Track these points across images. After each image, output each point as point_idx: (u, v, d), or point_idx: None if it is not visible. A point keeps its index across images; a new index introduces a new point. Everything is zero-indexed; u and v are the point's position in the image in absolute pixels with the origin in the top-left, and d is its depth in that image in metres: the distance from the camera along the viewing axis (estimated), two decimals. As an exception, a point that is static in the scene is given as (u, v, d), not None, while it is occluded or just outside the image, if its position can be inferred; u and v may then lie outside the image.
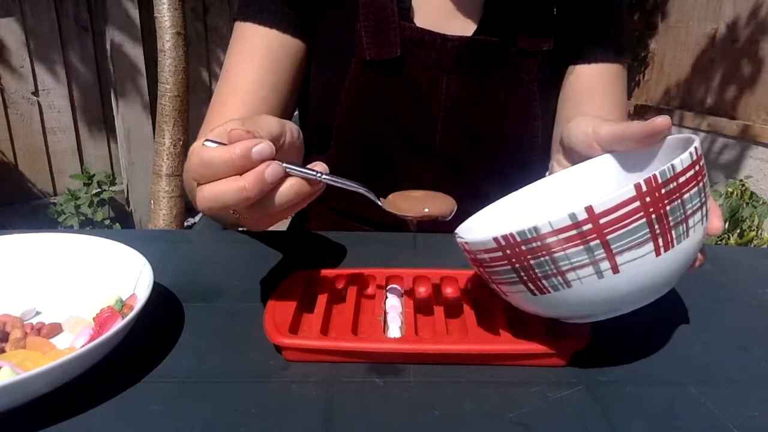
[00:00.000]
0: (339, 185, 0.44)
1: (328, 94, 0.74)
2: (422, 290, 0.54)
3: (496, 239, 0.39)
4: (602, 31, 0.77)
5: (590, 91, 0.78)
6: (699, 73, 2.76)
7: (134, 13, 2.36)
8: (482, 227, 0.49)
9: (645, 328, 0.49)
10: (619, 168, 0.49)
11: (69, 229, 2.30)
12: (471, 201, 0.80)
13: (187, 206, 1.99)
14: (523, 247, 0.38)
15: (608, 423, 0.39)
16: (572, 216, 0.36)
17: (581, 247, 0.37)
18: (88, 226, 2.40)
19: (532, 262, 0.39)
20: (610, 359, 0.45)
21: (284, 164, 0.40)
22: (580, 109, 0.77)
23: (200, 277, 0.57)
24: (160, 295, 0.52)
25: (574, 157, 0.52)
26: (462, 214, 0.80)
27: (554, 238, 0.37)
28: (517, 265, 0.39)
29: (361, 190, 0.45)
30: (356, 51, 0.71)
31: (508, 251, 0.39)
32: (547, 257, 0.38)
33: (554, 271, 0.38)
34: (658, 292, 0.41)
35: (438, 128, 0.74)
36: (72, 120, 2.53)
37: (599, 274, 0.38)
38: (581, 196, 0.50)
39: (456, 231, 0.47)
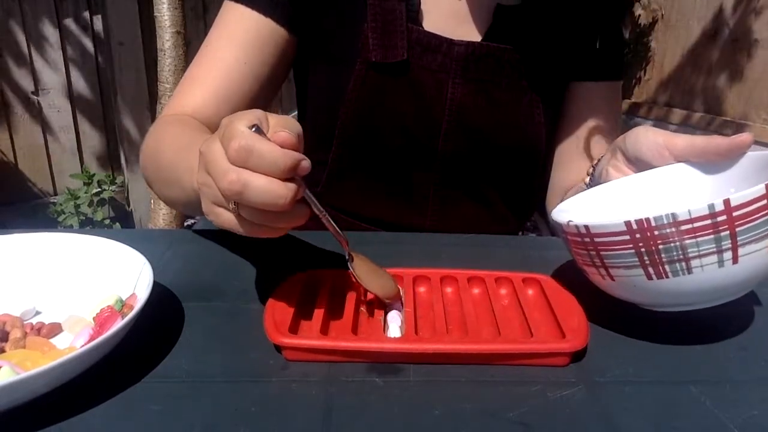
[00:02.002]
0: (330, 227, 0.47)
1: (331, 94, 0.74)
2: (422, 290, 0.54)
3: (627, 223, 0.42)
4: (607, 49, 0.79)
5: (596, 108, 0.80)
6: (699, 72, 2.76)
7: (134, 12, 2.36)
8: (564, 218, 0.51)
9: (645, 328, 0.49)
10: (693, 176, 0.54)
11: (69, 228, 2.30)
12: (471, 205, 0.80)
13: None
14: (656, 232, 0.41)
15: (608, 423, 0.39)
16: (710, 206, 0.40)
17: (712, 236, 0.40)
18: (88, 225, 2.40)
19: (660, 246, 0.41)
20: (610, 359, 0.45)
21: (307, 191, 0.41)
22: (586, 125, 0.79)
23: (200, 277, 0.57)
24: (160, 295, 0.52)
25: (639, 164, 0.57)
26: (461, 217, 0.80)
27: (689, 226, 0.40)
28: (642, 249, 0.42)
29: (343, 243, 0.49)
30: (362, 52, 0.70)
31: (637, 235, 0.42)
32: (677, 243, 0.41)
33: (680, 257, 0.41)
34: (757, 284, 0.46)
35: (441, 132, 0.74)
36: (72, 120, 2.52)
37: (721, 263, 0.41)
38: (655, 199, 0.55)
39: (554, 216, 0.51)
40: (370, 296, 0.53)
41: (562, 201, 0.77)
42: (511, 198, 0.82)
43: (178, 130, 0.64)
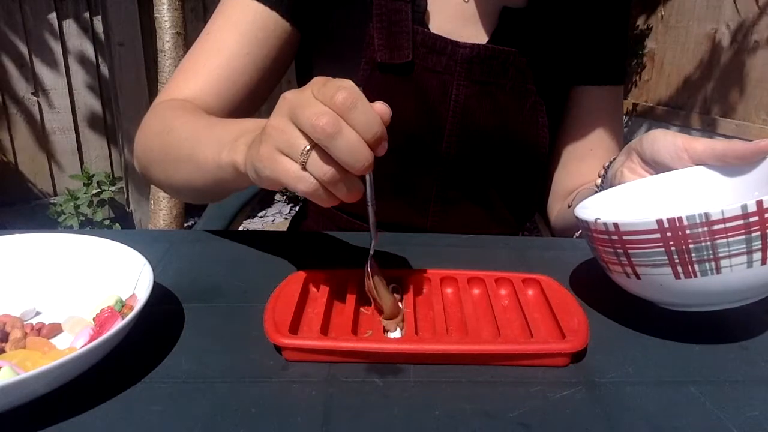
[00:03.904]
0: (372, 220, 0.48)
1: None
2: (422, 291, 0.54)
3: (659, 221, 0.42)
4: (610, 54, 0.80)
5: (598, 112, 0.80)
6: (698, 73, 2.76)
7: (134, 13, 2.36)
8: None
9: (645, 329, 0.49)
10: (711, 179, 0.54)
11: (69, 229, 2.30)
12: (472, 206, 0.80)
13: (186, 207, 1.99)
14: (688, 231, 0.41)
15: (608, 423, 0.39)
16: (743, 207, 0.40)
17: (743, 236, 0.41)
18: (87, 226, 2.40)
19: (691, 246, 0.42)
20: (610, 359, 0.45)
21: (371, 173, 0.43)
22: (588, 129, 0.80)
23: (200, 277, 0.57)
24: (160, 295, 0.52)
25: (656, 166, 0.57)
26: (463, 218, 0.80)
27: (721, 226, 0.40)
28: (673, 248, 0.42)
29: (375, 240, 0.50)
30: (367, 52, 0.70)
31: (668, 234, 0.42)
32: (708, 243, 0.41)
33: (710, 256, 0.42)
34: None
35: (445, 134, 0.74)
36: (72, 120, 2.53)
37: (750, 263, 0.41)
38: (673, 201, 0.55)
39: (578, 214, 0.50)
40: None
41: (568, 203, 0.77)
42: (512, 200, 0.82)
43: (188, 113, 0.64)
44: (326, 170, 0.40)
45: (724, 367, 0.45)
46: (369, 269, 0.49)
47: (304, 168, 0.41)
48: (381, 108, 0.41)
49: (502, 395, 0.41)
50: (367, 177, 0.43)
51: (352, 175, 0.41)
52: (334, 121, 0.39)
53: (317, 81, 0.42)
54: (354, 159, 0.39)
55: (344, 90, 0.39)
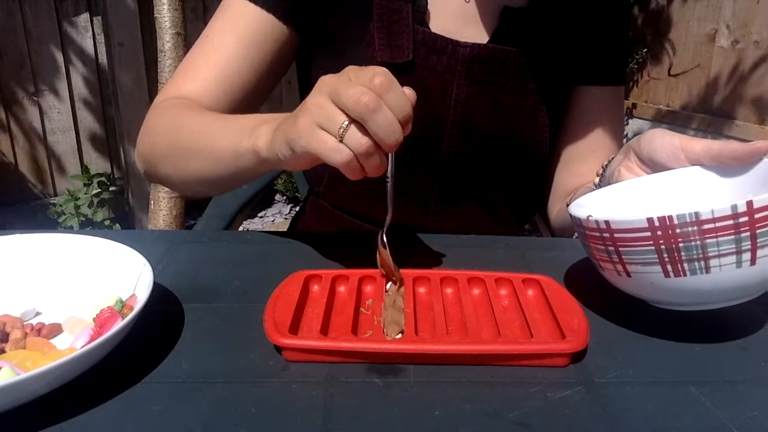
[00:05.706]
0: (390, 195, 0.52)
1: None
2: (422, 290, 0.54)
3: (649, 220, 0.42)
4: (611, 54, 0.79)
5: (599, 112, 0.80)
6: (699, 73, 2.76)
7: (134, 13, 2.36)
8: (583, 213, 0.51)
9: (645, 329, 0.49)
10: (707, 180, 0.54)
11: (69, 229, 2.30)
12: (473, 206, 0.80)
13: (186, 207, 1.99)
14: (678, 230, 0.41)
15: (608, 423, 0.39)
16: (733, 207, 0.40)
17: (732, 236, 0.41)
18: (88, 226, 2.40)
19: (681, 245, 0.42)
20: (610, 359, 0.46)
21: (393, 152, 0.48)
22: (589, 129, 0.80)
23: (200, 277, 0.57)
24: (160, 296, 0.52)
25: (653, 166, 0.57)
26: (463, 218, 0.80)
27: (711, 225, 0.41)
28: (663, 247, 0.42)
29: (390, 217, 0.54)
30: (368, 52, 0.70)
31: (659, 232, 0.42)
32: (698, 242, 0.41)
33: (700, 256, 0.42)
34: None
35: (445, 133, 0.74)
36: (72, 120, 2.53)
37: (739, 263, 0.42)
38: (669, 200, 0.55)
39: (571, 211, 0.51)
40: (369, 296, 0.53)
41: (567, 202, 0.77)
42: (513, 200, 0.82)
43: (193, 110, 0.65)
44: (363, 142, 0.45)
45: (723, 367, 0.45)
46: (382, 239, 0.53)
47: (340, 141, 0.45)
48: (410, 92, 0.46)
49: (502, 395, 0.41)
50: (390, 155, 0.48)
51: (380, 150, 0.46)
52: (375, 99, 0.43)
53: (352, 68, 0.47)
54: (388, 134, 0.44)
55: (381, 75, 0.44)
